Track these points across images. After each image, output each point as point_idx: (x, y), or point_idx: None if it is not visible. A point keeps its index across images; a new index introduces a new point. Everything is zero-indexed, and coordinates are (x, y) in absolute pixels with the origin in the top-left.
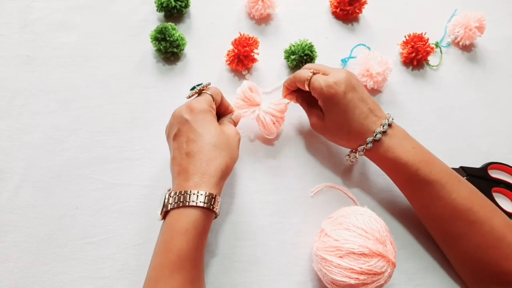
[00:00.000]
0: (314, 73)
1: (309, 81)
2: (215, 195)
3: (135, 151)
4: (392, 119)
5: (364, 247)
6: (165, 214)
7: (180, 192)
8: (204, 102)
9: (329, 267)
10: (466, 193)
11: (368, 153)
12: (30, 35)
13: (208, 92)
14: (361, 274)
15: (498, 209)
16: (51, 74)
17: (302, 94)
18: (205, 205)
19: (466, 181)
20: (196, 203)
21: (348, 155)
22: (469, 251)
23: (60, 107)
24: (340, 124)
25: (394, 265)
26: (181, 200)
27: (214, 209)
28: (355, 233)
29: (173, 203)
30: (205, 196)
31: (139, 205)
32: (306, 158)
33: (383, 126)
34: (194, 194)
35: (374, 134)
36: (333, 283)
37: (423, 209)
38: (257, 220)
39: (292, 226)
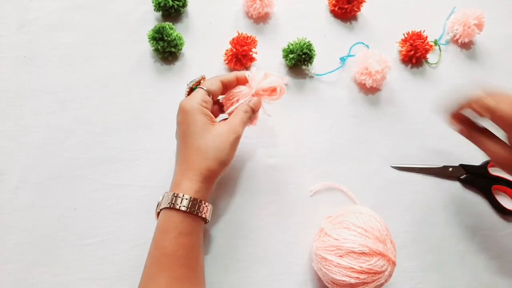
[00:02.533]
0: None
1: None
2: (200, 200)
3: (135, 151)
4: None
5: (364, 246)
6: (158, 214)
7: (171, 194)
8: (193, 99)
9: (329, 266)
10: None
11: None
12: (28, 35)
13: (202, 87)
14: (361, 273)
15: None
16: (50, 75)
17: (469, 123)
18: (188, 210)
19: None
20: (179, 206)
21: None
22: None
23: (59, 108)
24: None
25: (394, 264)
26: (168, 202)
27: (198, 214)
28: (355, 232)
29: (162, 204)
30: (189, 201)
31: (138, 205)
32: (305, 157)
33: None
34: (179, 197)
35: None
36: (333, 283)
37: None
38: (257, 220)
39: (292, 225)
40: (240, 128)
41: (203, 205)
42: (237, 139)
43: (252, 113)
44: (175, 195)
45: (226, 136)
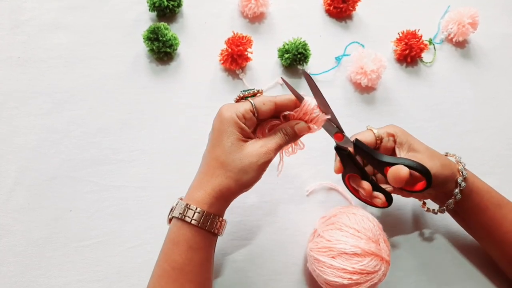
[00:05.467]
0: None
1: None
2: (213, 215)
3: (130, 152)
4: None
5: (356, 247)
6: (171, 220)
7: (184, 204)
8: (234, 109)
9: (322, 267)
10: None
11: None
12: (22, 36)
13: (250, 100)
14: (354, 274)
15: None
16: (44, 76)
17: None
18: (199, 225)
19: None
20: (191, 219)
21: (441, 208)
22: None
23: (53, 109)
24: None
25: (388, 263)
26: (181, 212)
27: (211, 230)
28: (347, 233)
29: (176, 212)
30: (202, 216)
31: (134, 207)
32: (301, 157)
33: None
34: (191, 210)
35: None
36: (327, 283)
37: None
38: (254, 220)
39: (288, 225)
40: (273, 152)
41: (217, 220)
42: (266, 164)
43: (294, 138)
44: (188, 206)
45: (256, 158)
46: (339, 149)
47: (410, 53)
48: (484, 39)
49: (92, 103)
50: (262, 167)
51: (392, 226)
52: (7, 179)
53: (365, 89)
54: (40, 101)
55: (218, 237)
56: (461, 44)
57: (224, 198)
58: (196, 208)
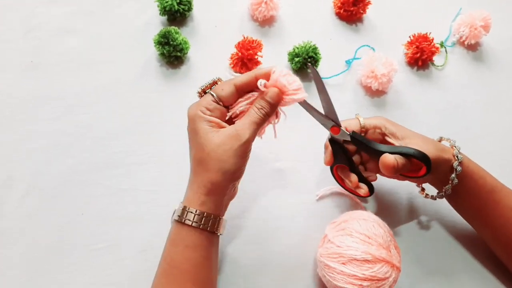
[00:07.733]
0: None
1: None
2: (206, 214)
3: (141, 155)
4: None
5: (367, 253)
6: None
7: (181, 206)
8: (196, 106)
9: (332, 273)
10: None
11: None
12: (34, 40)
13: (211, 92)
14: (365, 280)
15: None
16: (56, 80)
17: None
18: (192, 224)
19: None
20: (184, 219)
21: (439, 194)
22: None
23: (65, 113)
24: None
25: (399, 270)
26: (178, 214)
27: (207, 229)
28: (358, 239)
29: (174, 215)
30: (194, 215)
31: (146, 210)
32: (311, 161)
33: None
34: (186, 210)
35: (457, 154)
36: None
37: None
38: (264, 224)
39: (298, 230)
40: (247, 131)
41: (211, 218)
42: (243, 146)
43: (270, 109)
44: (184, 207)
45: (230, 144)
46: (333, 142)
47: (421, 56)
48: (497, 41)
49: (103, 106)
50: (238, 151)
51: (404, 232)
52: (20, 183)
53: (375, 93)
54: (52, 105)
55: (227, 242)
56: (473, 47)
57: (213, 193)
58: (189, 208)
